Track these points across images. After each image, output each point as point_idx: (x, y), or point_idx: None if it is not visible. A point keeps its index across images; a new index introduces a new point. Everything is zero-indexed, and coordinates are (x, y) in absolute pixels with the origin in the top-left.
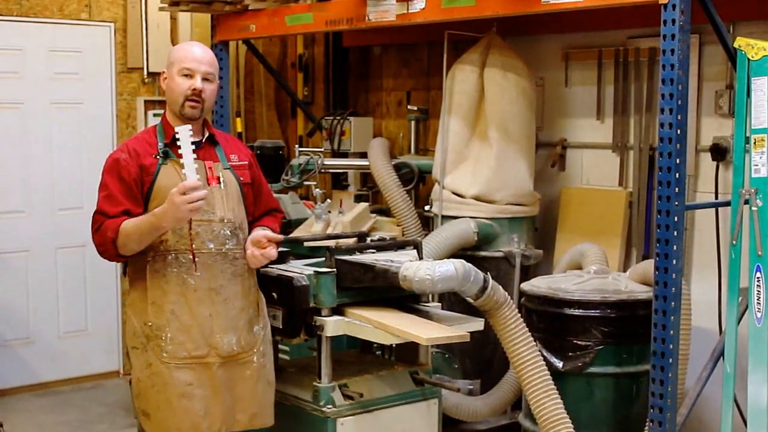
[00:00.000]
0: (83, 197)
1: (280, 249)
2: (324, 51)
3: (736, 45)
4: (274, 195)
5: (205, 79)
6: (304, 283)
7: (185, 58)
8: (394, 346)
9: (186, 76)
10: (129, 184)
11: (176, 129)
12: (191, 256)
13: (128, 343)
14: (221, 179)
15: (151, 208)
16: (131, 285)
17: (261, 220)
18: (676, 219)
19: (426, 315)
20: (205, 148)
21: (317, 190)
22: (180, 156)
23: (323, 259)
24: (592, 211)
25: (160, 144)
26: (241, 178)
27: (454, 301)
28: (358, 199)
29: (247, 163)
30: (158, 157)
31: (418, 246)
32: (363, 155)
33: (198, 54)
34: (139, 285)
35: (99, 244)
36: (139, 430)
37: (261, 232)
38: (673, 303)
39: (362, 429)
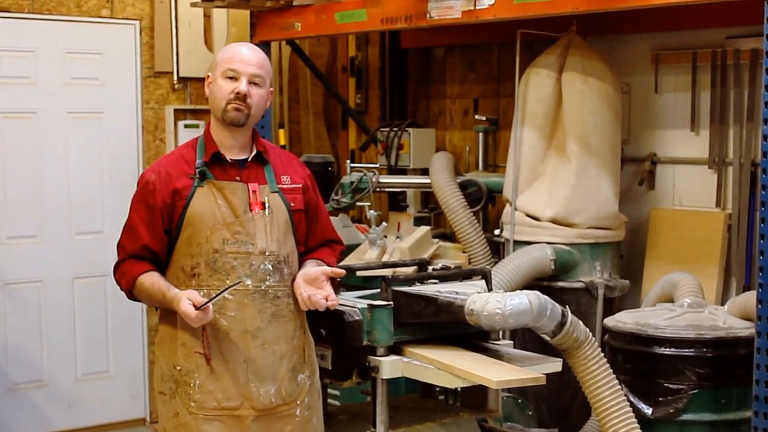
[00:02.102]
0: (104, 220)
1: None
2: (379, 53)
3: None
4: None
5: (252, 83)
6: (356, 318)
7: (231, 58)
8: (459, 389)
9: (230, 78)
10: (154, 213)
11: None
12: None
13: (156, 388)
14: (266, 205)
15: (183, 237)
16: (161, 322)
17: (315, 253)
18: None
19: (496, 354)
20: (251, 167)
21: (372, 211)
22: (219, 178)
23: (378, 290)
24: (686, 235)
25: (198, 161)
26: (292, 204)
27: (527, 339)
28: (419, 222)
29: (300, 186)
30: (194, 177)
31: (486, 275)
32: (424, 172)
33: (245, 54)
34: (170, 323)
35: (117, 281)
36: None
37: (317, 268)
38: None
39: None
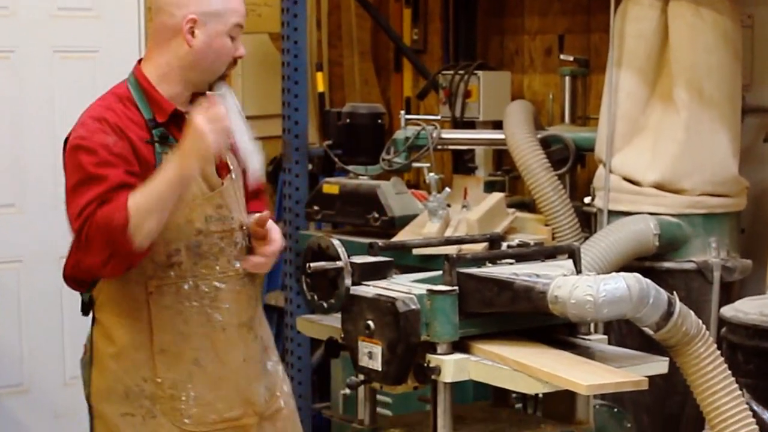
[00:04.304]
0: None
1: (380, 259)
2: None
3: None
4: (372, 181)
5: None
6: (412, 307)
7: (238, 10)
8: (540, 396)
9: (232, 37)
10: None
11: (215, 92)
12: None
13: (112, 411)
14: (231, 167)
15: None
16: (111, 327)
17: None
18: None
19: (586, 352)
20: None
21: (432, 174)
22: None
23: (440, 273)
24: None
25: (150, 121)
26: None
27: (625, 333)
28: (490, 187)
29: None
30: (153, 142)
31: (574, 254)
32: (496, 125)
33: (242, 5)
34: (133, 327)
35: (102, 251)
36: None
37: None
38: None
39: None
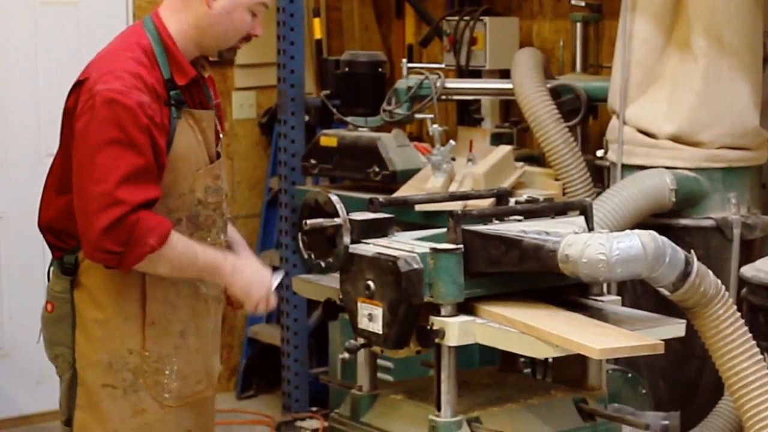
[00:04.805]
0: None
1: (381, 216)
2: None
3: None
4: (372, 133)
5: None
6: (414, 266)
7: None
8: (550, 360)
9: (254, 13)
10: (159, 149)
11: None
12: None
13: (93, 379)
14: (220, 135)
15: (165, 181)
16: (99, 294)
17: None
18: None
19: (598, 314)
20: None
21: (435, 126)
22: (193, 106)
23: (444, 230)
24: None
25: (169, 81)
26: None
27: (640, 294)
28: (497, 139)
29: (219, 101)
30: (170, 105)
31: (586, 210)
32: (504, 74)
33: None
34: (124, 295)
35: (114, 245)
36: None
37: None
38: None
39: None
